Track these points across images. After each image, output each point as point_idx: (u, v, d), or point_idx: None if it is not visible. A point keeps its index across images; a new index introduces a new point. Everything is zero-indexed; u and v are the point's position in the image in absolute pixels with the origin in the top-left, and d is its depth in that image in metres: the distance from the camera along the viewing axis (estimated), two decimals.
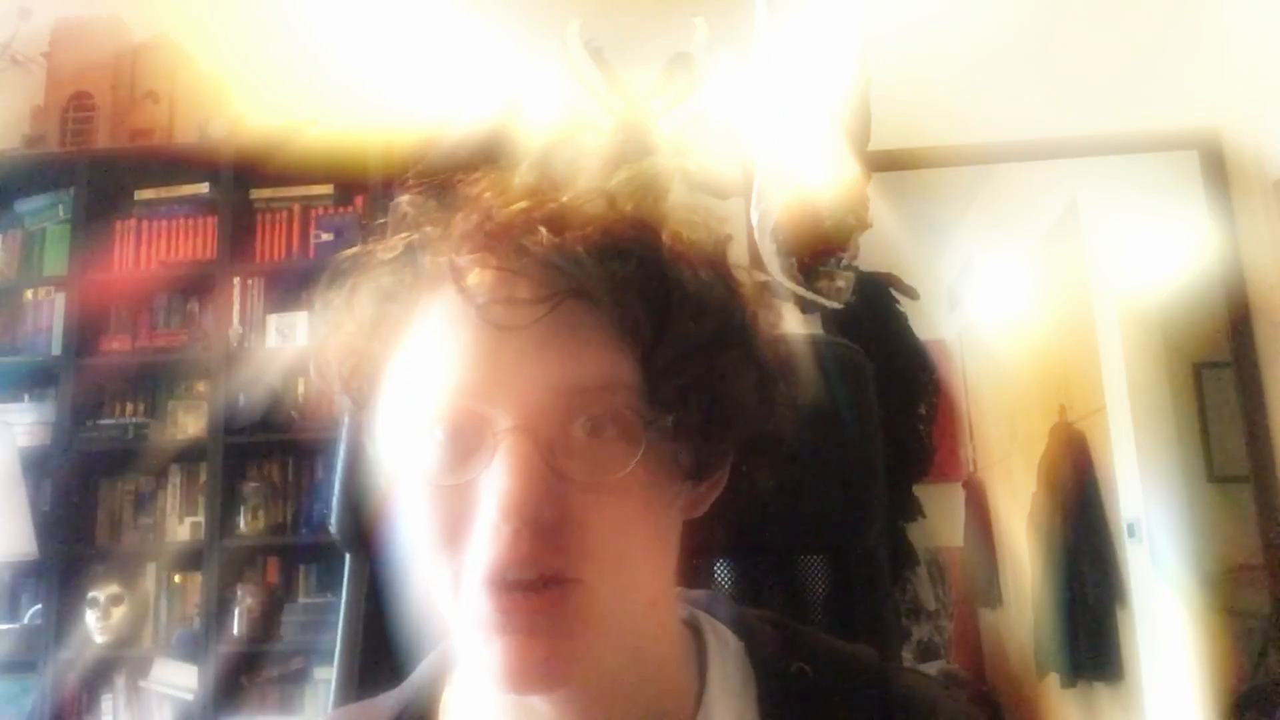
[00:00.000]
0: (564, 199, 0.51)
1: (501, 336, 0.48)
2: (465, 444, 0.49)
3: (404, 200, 0.55)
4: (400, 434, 0.52)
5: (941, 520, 2.62)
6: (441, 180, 0.55)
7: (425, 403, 0.50)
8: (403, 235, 0.54)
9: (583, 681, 0.51)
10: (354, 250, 0.56)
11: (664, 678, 0.57)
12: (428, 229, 0.53)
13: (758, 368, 0.54)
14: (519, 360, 0.48)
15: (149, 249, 2.68)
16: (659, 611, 0.56)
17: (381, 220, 0.56)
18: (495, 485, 0.47)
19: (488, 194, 0.52)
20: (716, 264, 0.53)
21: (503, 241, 0.50)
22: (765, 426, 0.56)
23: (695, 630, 0.61)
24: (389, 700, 0.62)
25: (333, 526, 0.80)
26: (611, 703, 0.54)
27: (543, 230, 0.49)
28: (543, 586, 0.48)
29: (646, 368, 0.49)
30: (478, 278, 0.50)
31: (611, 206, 0.51)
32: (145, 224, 2.69)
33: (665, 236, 0.51)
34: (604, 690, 0.54)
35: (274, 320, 2.58)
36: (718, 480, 0.57)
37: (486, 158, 0.56)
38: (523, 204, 0.51)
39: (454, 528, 0.49)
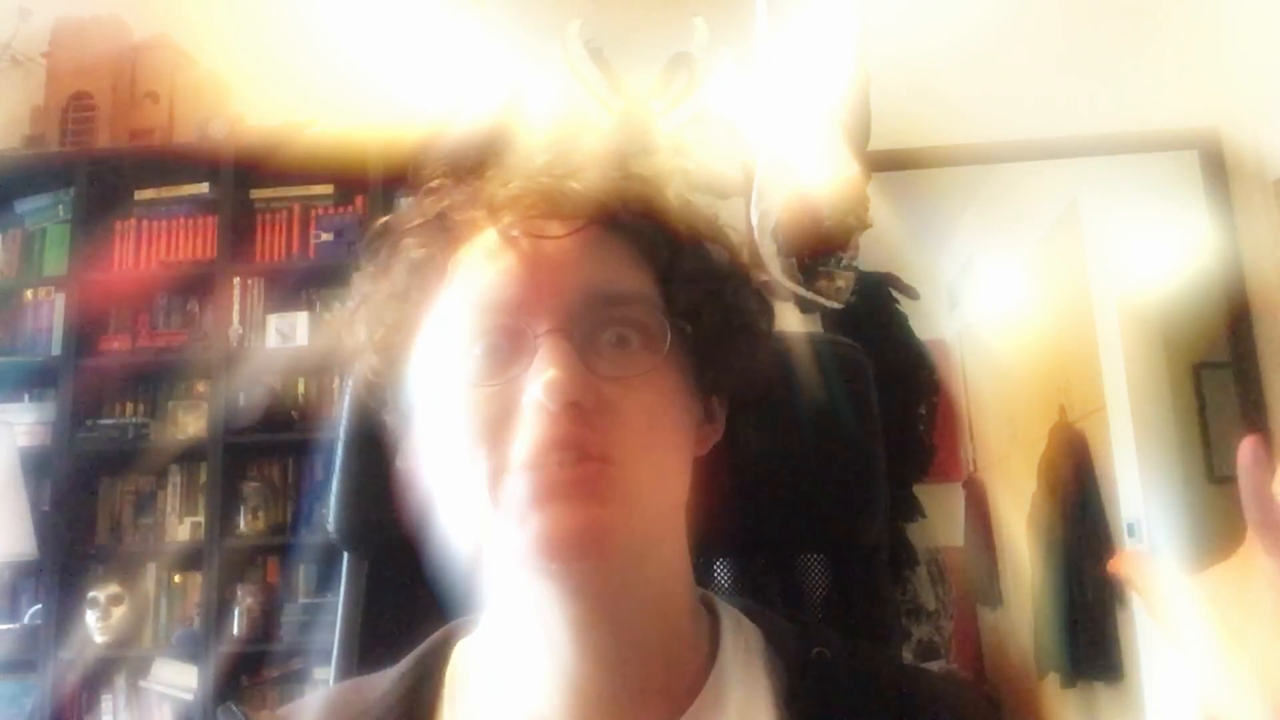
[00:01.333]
0: (585, 159, 0.58)
1: (534, 258, 0.54)
2: (503, 354, 0.54)
3: (435, 183, 0.60)
4: (436, 360, 0.56)
5: (941, 520, 2.62)
6: (469, 162, 0.61)
7: (463, 326, 0.55)
8: (433, 201, 0.59)
9: (608, 577, 0.54)
10: (386, 219, 0.61)
11: (678, 625, 0.59)
12: (458, 196, 0.58)
13: (760, 301, 0.60)
14: (552, 274, 0.54)
15: (149, 249, 2.67)
16: (674, 525, 0.59)
17: (408, 198, 0.62)
18: (539, 373, 0.52)
19: (515, 161, 0.59)
20: (714, 227, 0.61)
21: (532, 186, 0.56)
22: (763, 368, 0.61)
23: (710, 608, 0.63)
24: (392, 670, 0.63)
25: (331, 525, 0.80)
26: (630, 635, 0.56)
27: (570, 182, 0.56)
28: (578, 462, 0.51)
29: (664, 286, 0.56)
30: (511, 211, 0.56)
31: (625, 169, 0.59)
32: (145, 224, 2.68)
33: (673, 197, 0.59)
34: (624, 613, 0.56)
35: (274, 320, 2.58)
36: (718, 425, 0.61)
37: (489, 155, 0.59)
38: (548, 159, 0.58)
39: (497, 421, 0.53)
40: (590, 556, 0.53)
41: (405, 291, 0.58)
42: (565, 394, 0.51)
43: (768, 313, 0.62)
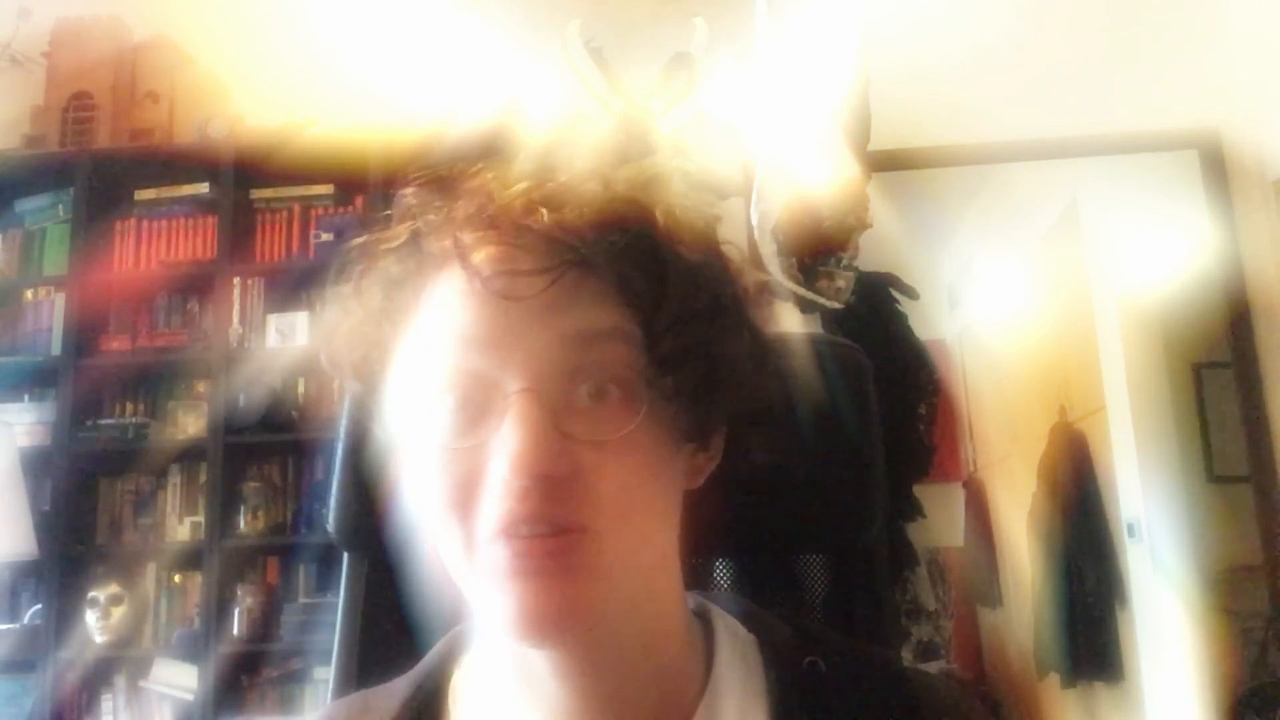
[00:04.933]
0: (560, 180, 0.54)
1: (506, 308, 0.51)
2: (475, 409, 0.51)
3: (408, 192, 0.57)
4: (410, 407, 0.54)
5: (941, 520, 2.61)
6: (443, 173, 0.57)
7: (435, 373, 0.52)
8: (406, 224, 0.56)
9: (590, 639, 0.53)
10: (360, 240, 0.58)
11: (670, 655, 0.58)
12: (430, 217, 0.55)
13: (751, 336, 0.57)
14: (525, 324, 0.51)
15: (149, 249, 2.67)
16: (664, 576, 0.57)
17: (386, 213, 0.58)
18: (506, 444, 0.49)
19: (488, 181, 0.55)
20: (708, 241, 0.56)
21: (504, 221, 0.52)
22: (759, 395, 0.58)
23: (705, 620, 0.62)
24: (400, 685, 0.62)
25: (331, 525, 0.80)
26: (617, 677, 0.55)
27: (542, 210, 0.52)
28: (554, 534, 0.49)
29: (647, 332, 0.52)
30: (481, 255, 0.52)
31: (606, 187, 0.54)
32: (145, 224, 2.69)
33: (659, 214, 0.54)
34: (610, 661, 0.55)
35: (274, 320, 2.58)
36: (714, 452, 0.59)
37: (488, 156, 0.57)
38: (522, 186, 0.53)
39: (466, 488, 0.51)
40: (566, 637, 0.51)
41: (381, 314, 0.56)
42: (532, 468, 0.48)
43: (760, 347, 0.58)
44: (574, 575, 0.50)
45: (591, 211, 0.52)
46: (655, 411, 0.52)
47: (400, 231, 0.56)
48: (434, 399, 0.52)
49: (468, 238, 0.52)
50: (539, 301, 0.50)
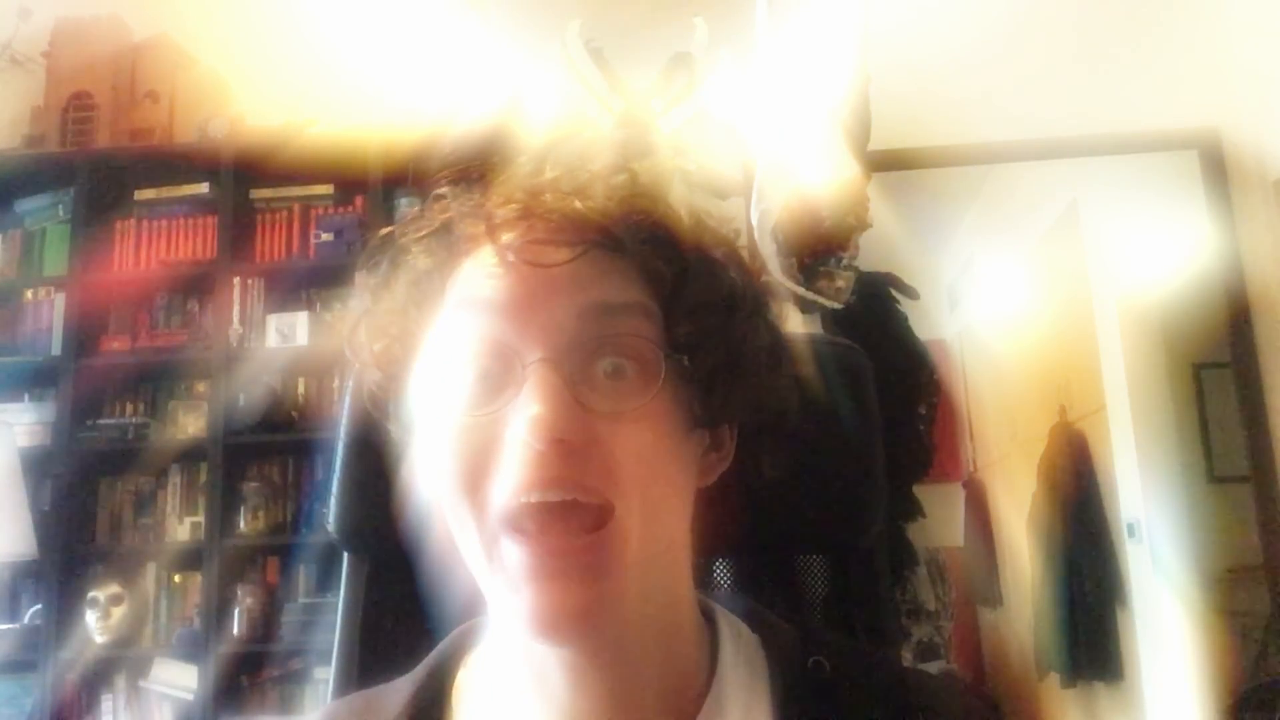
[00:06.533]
0: (591, 171, 0.56)
1: (532, 277, 0.52)
2: (495, 380, 0.52)
3: (444, 190, 0.59)
4: (430, 383, 0.55)
5: (941, 520, 2.62)
6: (476, 168, 0.58)
7: (458, 345, 0.53)
8: (439, 215, 0.57)
9: (605, 636, 0.53)
10: (389, 230, 0.59)
11: (678, 651, 0.58)
12: (462, 207, 0.57)
13: (771, 335, 0.58)
14: (548, 294, 0.52)
15: (149, 249, 2.67)
16: (676, 568, 0.58)
17: (419, 208, 0.60)
18: (524, 409, 0.49)
19: (520, 172, 0.57)
20: (729, 244, 0.58)
21: (536, 206, 0.54)
22: (774, 394, 0.59)
23: (708, 619, 0.62)
24: (403, 683, 0.62)
25: (331, 525, 0.80)
26: (627, 672, 0.55)
27: (573, 198, 0.54)
28: (571, 513, 0.49)
29: (666, 313, 0.54)
30: (511, 234, 0.54)
31: (634, 181, 0.56)
32: (145, 224, 2.69)
33: (684, 212, 0.56)
34: (621, 655, 0.55)
35: (274, 320, 2.58)
36: (726, 453, 0.59)
37: (488, 155, 0.58)
38: (553, 175, 0.56)
39: (481, 458, 0.51)
40: (585, 637, 0.51)
41: (406, 305, 0.57)
42: (551, 431, 0.48)
43: (778, 346, 0.59)
44: (592, 576, 0.50)
45: (619, 201, 0.54)
46: (671, 389, 0.53)
47: (432, 220, 0.57)
48: (455, 371, 0.53)
49: (499, 217, 0.54)
50: (562, 274, 0.52)
